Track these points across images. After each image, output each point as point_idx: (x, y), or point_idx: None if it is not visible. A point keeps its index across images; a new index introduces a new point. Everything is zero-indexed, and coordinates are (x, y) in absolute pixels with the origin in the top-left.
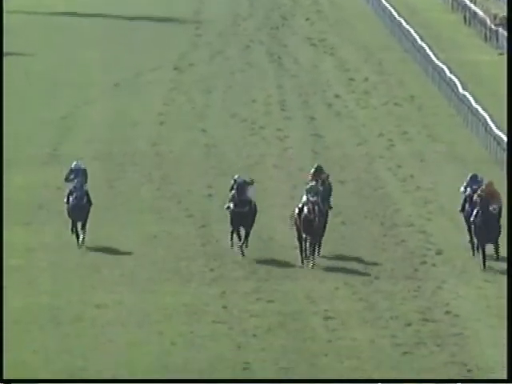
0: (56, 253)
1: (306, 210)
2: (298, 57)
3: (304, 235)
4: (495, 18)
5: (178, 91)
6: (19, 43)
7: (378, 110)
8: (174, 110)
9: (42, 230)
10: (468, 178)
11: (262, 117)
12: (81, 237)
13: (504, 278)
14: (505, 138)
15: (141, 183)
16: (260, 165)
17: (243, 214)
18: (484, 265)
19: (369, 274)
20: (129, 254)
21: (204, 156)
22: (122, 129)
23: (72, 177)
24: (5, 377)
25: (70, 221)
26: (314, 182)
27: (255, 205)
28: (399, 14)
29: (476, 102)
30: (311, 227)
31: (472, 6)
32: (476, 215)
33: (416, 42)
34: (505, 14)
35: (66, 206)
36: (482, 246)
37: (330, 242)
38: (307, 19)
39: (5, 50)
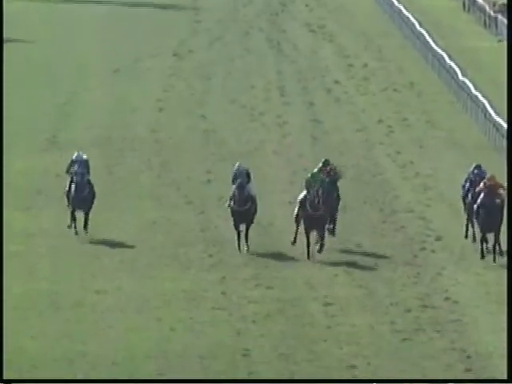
0: (55, 239)
1: (308, 206)
2: (298, 43)
3: (310, 231)
4: (494, 4)
5: (177, 77)
6: (19, 30)
7: (378, 96)
8: (174, 96)
9: (41, 216)
10: (471, 169)
11: (261, 103)
12: (84, 230)
13: (504, 265)
14: (504, 125)
15: (140, 169)
16: (259, 151)
17: (244, 212)
18: (482, 255)
19: (368, 261)
20: (128, 240)
21: (203, 142)
22: (122, 115)
23: (74, 168)
24: (4, 371)
25: (69, 211)
26: (316, 170)
27: (256, 201)
28: (399, 1)
29: (475, 88)
30: (316, 223)
31: None
32: (479, 206)
33: (415, 28)
34: (504, 0)
35: (66, 196)
36: (482, 236)
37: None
38: (306, 5)
39: (5, 36)
